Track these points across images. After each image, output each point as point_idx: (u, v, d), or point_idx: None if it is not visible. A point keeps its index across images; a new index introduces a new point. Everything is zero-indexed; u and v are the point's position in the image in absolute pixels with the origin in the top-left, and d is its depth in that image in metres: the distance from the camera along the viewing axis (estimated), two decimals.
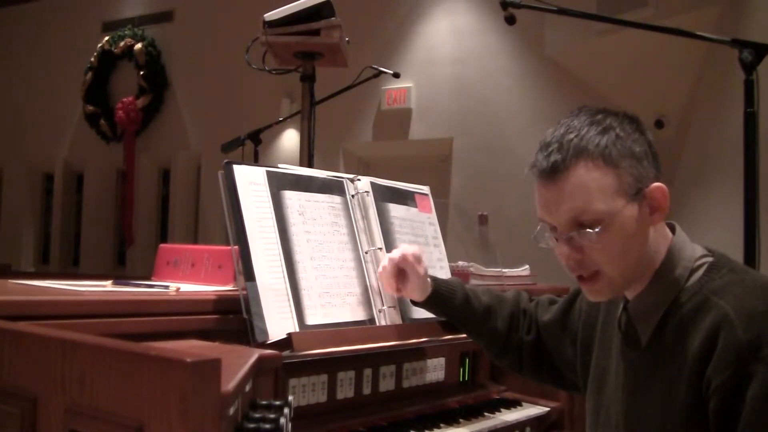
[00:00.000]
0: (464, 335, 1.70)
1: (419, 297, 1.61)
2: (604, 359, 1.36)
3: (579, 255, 1.19)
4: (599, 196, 1.16)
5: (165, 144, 7.30)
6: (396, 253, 1.59)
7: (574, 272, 1.23)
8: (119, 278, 1.65)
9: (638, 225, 1.18)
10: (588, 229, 1.16)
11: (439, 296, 1.60)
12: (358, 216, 1.71)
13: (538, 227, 1.27)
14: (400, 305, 1.69)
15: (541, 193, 1.22)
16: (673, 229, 1.27)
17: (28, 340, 0.98)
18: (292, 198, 1.57)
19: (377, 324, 1.62)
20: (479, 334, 1.64)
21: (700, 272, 1.20)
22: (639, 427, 1.22)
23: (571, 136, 1.18)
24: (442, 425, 1.60)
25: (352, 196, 1.73)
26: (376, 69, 3.10)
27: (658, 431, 1.18)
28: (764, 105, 1.96)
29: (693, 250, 1.24)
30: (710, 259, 1.22)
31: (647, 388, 1.22)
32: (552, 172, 1.18)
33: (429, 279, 1.61)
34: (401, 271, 1.59)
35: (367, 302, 1.63)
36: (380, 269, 1.62)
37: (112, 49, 7.50)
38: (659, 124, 4.81)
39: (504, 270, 2.32)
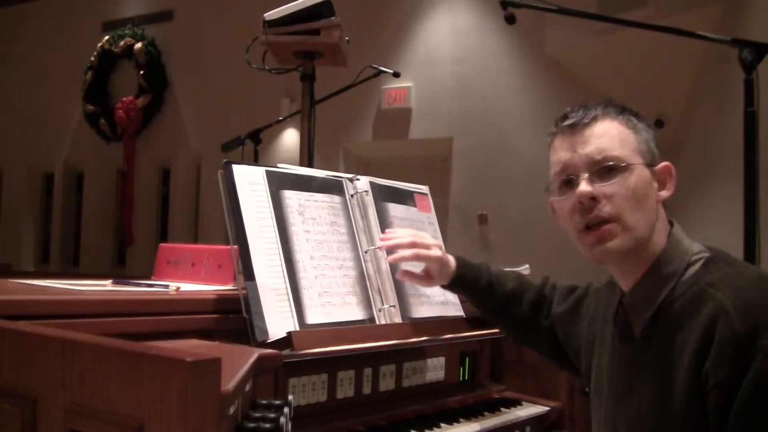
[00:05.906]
0: (464, 334, 1.70)
1: (444, 279, 1.62)
2: (604, 356, 1.37)
3: (593, 202, 1.23)
4: (622, 145, 1.25)
5: (165, 144, 7.30)
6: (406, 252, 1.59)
7: (585, 218, 1.23)
8: (119, 278, 1.65)
9: (649, 191, 1.24)
10: (609, 170, 1.22)
11: (463, 279, 1.63)
12: (358, 215, 1.71)
13: (551, 181, 1.31)
14: (401, 305, 1.69)
15: (565, 140, 1.29)
16: (671, 226, 1.28)
17: (28, 340, 0.98)
18: (291, 198, 1.57)
19: (377, 323, 1.62)
20: (500, 319, 1.68)
21: (697, 266, 1.21)
22: (637, 421, 1.22)
23: (596, 104, 1.30)
24: (442, 425, 1.60)
25: (352, 195, 1.73)
26: (376, 68, 3.11)
27: (654, 425, 1.18)
28: (764, 105, 1.96)
29: (690, 246, 1.25)
30: (707, 254, 1.23)
31: (642, 382, 1.22)
32: (581, 123, 1.27)
33: (453, 259, 1.63)
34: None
35: (367, 301, 1.63)
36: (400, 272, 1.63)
37: (112, 48, 7.49)
38: (659, 124, 4.80)
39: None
